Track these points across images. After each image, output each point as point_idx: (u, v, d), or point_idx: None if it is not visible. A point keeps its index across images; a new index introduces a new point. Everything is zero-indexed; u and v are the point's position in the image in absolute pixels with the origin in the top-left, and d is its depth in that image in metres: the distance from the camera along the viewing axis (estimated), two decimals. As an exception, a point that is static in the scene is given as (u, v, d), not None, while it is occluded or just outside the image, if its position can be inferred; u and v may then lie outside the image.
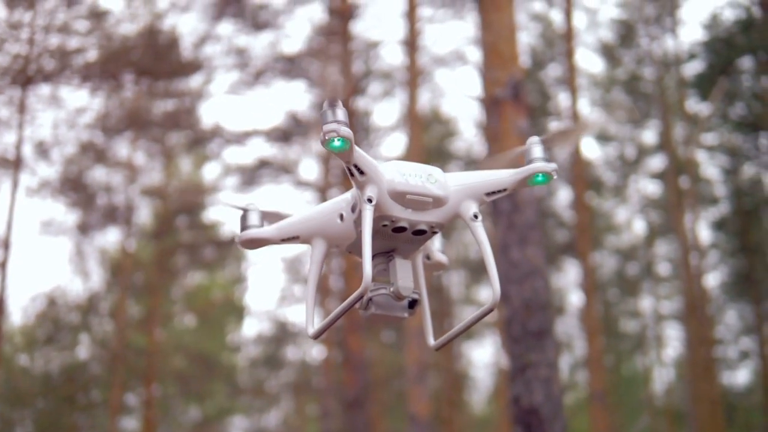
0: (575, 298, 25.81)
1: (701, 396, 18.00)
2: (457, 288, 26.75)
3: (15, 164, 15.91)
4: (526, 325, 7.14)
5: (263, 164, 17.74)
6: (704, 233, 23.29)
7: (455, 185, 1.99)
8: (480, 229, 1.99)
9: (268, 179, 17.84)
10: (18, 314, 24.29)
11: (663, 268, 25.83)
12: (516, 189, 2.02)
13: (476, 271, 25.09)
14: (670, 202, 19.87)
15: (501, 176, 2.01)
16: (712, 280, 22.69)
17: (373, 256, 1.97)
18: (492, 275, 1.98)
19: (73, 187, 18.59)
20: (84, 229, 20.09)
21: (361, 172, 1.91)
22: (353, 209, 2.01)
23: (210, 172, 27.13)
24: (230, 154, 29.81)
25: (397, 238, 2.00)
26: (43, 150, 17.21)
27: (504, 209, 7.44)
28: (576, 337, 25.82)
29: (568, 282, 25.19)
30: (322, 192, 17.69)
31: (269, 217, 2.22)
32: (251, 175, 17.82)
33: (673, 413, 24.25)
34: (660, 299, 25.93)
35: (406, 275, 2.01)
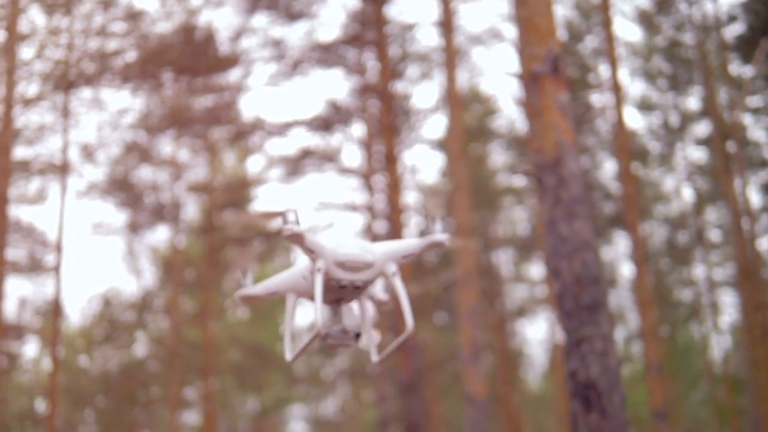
0: (626, 270, 25.61)
1: (759, 361, 17.78)
2: (506, 266, 26.67)
3: (62, 168, 16.14)
4: (578, 299, 7.10)
5: (306, 154, 17.73)
6: (754, 197, 22.95)
7: (380, 252, 2.78)
8: (398, 281, 2.77)
9: (312, 168, 17.84)
10: (76, 316, 24.68)
11: (714, 235, 25.49)
12: (422, 253, 2.84)
13: (524, 248, 24.99)
14: (717, 167, 19.60)
15: (411, 244, 2.84)
16: (766, 243, 22.37)
17: (328, 304, 2.84)
18: (406, 311, 2.74)
19: (121, 187, 18.82)
20: (134, 228, 20.31)
21: (312, 251, 2.71)
22: (312, 273, 2.78)
23: (254, 164, 27.28)
24: (273, 145, 29.97)
25: (342, 291, 2.80)
26: (88, 153, 17.43)
27: (550, 185, 7.39)
28: (629, 309, 25.64)
29: (619, 254, 25.01)
30: (366, 178, 17.69)
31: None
32: (295, 166, 17.83)
33: (732, 380, 24.00)
34: (712, 266, 25.61)
35: (350, 316, 2.84)
